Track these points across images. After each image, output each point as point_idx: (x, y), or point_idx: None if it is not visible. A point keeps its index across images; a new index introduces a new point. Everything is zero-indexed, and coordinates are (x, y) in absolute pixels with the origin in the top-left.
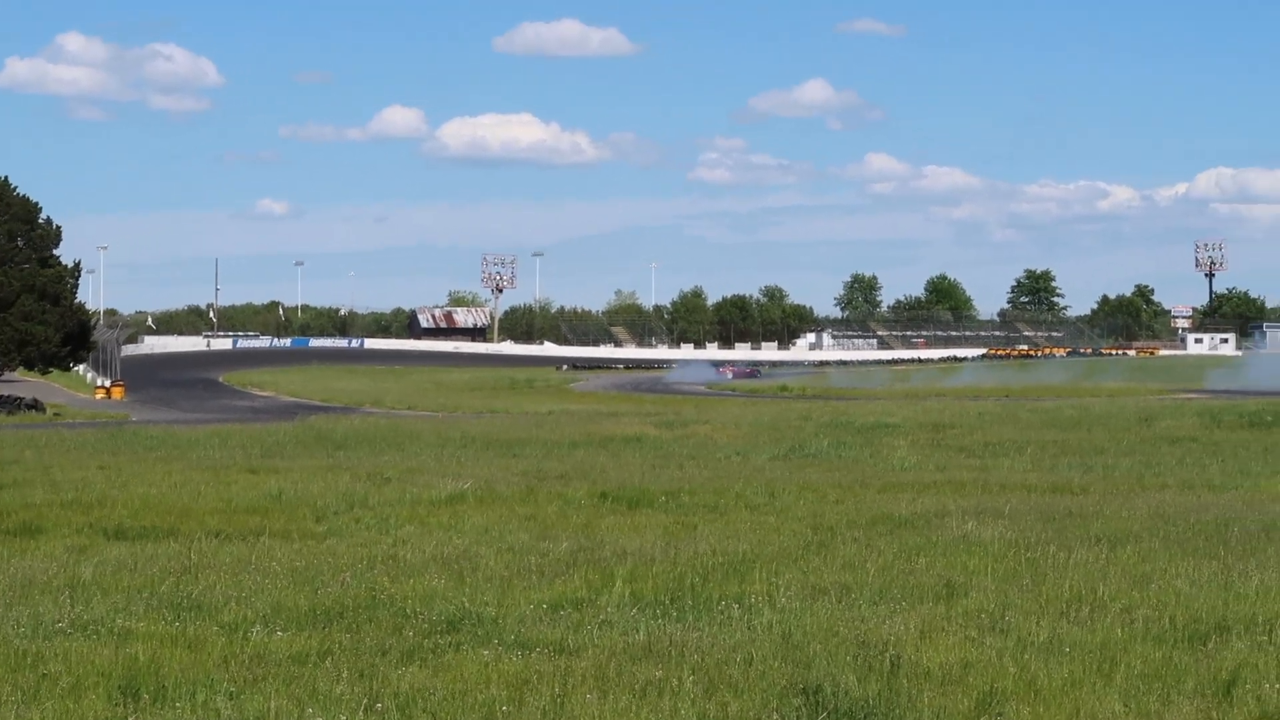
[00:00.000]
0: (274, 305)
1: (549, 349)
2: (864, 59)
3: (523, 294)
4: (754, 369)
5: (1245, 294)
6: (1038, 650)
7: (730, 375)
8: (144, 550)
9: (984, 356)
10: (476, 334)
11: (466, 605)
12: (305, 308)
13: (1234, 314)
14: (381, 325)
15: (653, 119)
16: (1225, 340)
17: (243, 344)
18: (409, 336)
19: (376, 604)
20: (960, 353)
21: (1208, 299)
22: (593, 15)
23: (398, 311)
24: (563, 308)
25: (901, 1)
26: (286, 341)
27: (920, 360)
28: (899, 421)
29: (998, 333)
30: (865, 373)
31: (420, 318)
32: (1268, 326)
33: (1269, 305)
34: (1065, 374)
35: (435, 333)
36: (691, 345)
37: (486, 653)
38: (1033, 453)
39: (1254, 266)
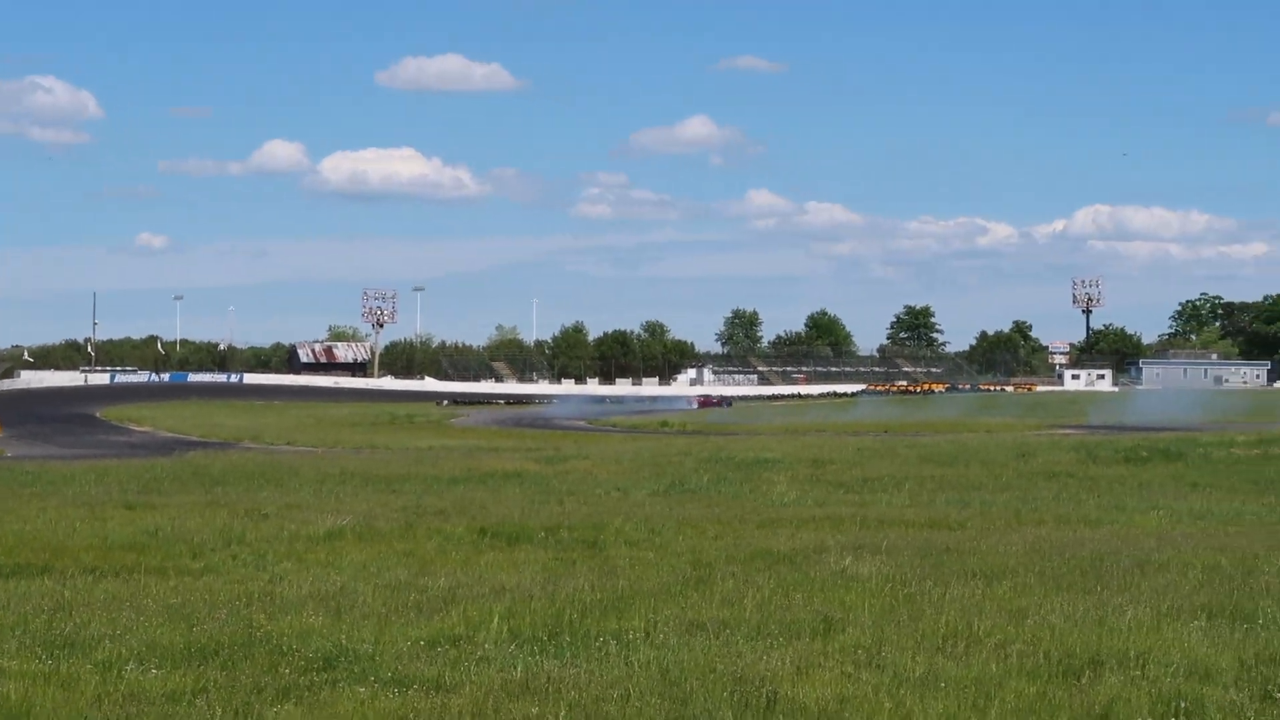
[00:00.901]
0: (153, 340)
1: (430, 384)
2: (746, 95)
3: (403, 329)
4: (723, 399)
5: (1122, 330)
6: (913, 685)
7: (697, 406)
8: (17, 588)
9: (863, 392)
10: (357, 369)
11: (343, 642)
12: (184, 342)
13: (1111, 350)
14: (261, 360)
15: (535, 154)
16: (1102, 376)
17: (121, 379)
18: (289, 371)
19: (252, 641)
20: (840, 388)
21: (1085, 335)
22: (475, 50)
23: (277, 346)
24: (444, 343)
25: (783, 39)
26: (165, 376)
27: (801, 395)
28: (779, 457)
29: (878, 368)
30: (752, 409)
31: (300, 353)
32: (1144, 363)
33: (1145, 341)
34: (949, 410)
35: (315, 368)
36: (573, 380)
37: (363, 690)
38: (911, 488)
39: (1130, 303)
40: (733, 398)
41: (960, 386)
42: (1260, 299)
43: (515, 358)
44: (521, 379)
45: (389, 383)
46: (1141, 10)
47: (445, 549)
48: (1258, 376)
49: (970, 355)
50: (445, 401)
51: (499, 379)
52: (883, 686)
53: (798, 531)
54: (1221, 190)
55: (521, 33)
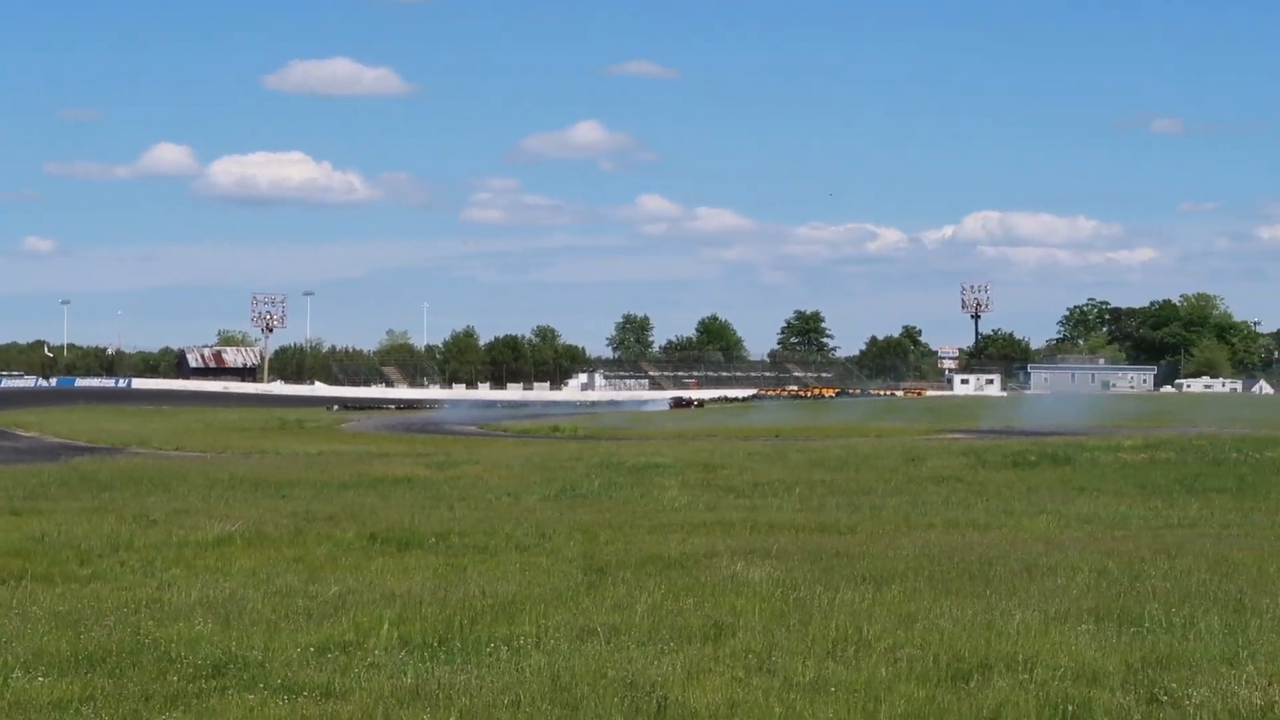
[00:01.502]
0: (39, 344)
1: (320, 389)
2: (637, 101)
3: (293, 334)
4: (697, 401)
5: (1010, 335)
6: (803, 690)
7: (670, 407)
8: None
9: (754, 397)
10: (246, 374)
11: (232, 649)
12: (72, 347)
13: (999, 355)
14: (150, 365)
15: (425, 159)
16: (991, 381)
17: (6, 384)
18: (178, 376)
19: (140, 649)
20: (731, 393)
21: (974, 340)
22: (365, 54)
23: (166, 351)
24: (334, 347)
25: (674, 44)
26: (52, 381)
27: (729, 399)
28: (669, 462)
29: (768, 373)
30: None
31: (189, 357)
32: (1032, 367)
33: (1033, 346)
34: (841, 415)
35: (204, 372)
36: (463, 385)
37: (252, 697)
38: (801, 493)
39: (1019, 309)
40: (704, 399)
41: (851, 391)
42: (1147, 304)
43: (406, 363)
44: (412, 384)
45: (279, 388)
46: (1029, 17)
47: (335, 555)
48: (1144, 381)
49: (860, 360)
50: (335, 406)
51: (389, 384)
52: (773, 691)
53: (689, 536)
54: (1108, 196)
55: (411, 36)
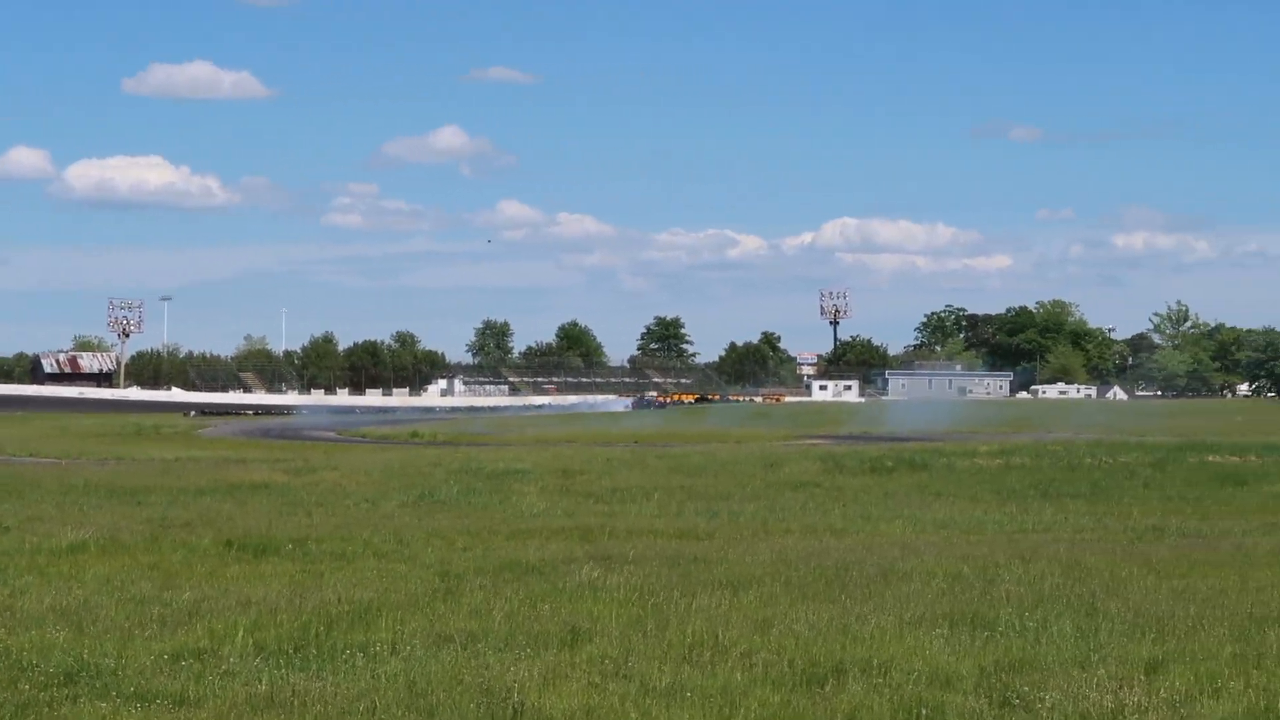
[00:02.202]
0: None
1: (177, 395)
2: (497, 106)
3: (151, 339)
4: (662, 402)
5: (868, 341)
6: (660, 696)
7: (633, 407)
8: None
9: (640, 401)
10: (103, 379)
11: (85, 657)
12: None
13: (858, 361)
14: (3, 370)
15: (285, 163)
16: (849, 387)
17: None
18: (32, 382)
19: None
20: (591, 398)
21: (833, 346)
22: (225, 58)
23: (20, 356)
24: (191, 353)
25: (534, 50)
26: None
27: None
28: (529, 468)
29: (628, 379)
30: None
31: (44, 363)
32: (890, 374)
33: (891, 353)
34: (706, 421)
35: (59, 378)
36: (322, 391)
37: (105, 705)
38: (660, 498)
39: (877, 315)
40: (666, 401)
41: (709, 397)
42: (1003, 311)
43: (264, 368)
44: (270, 389)
45: (135, 393)
46: (889, 23)
47: (191, 561)
48: (1001, 387)
49: (720, 366)
50: (193, 412)
51: (247, 389)
52: (629, 697)
53: (547, 542)
54: (967, 204)
55: (272, 40)
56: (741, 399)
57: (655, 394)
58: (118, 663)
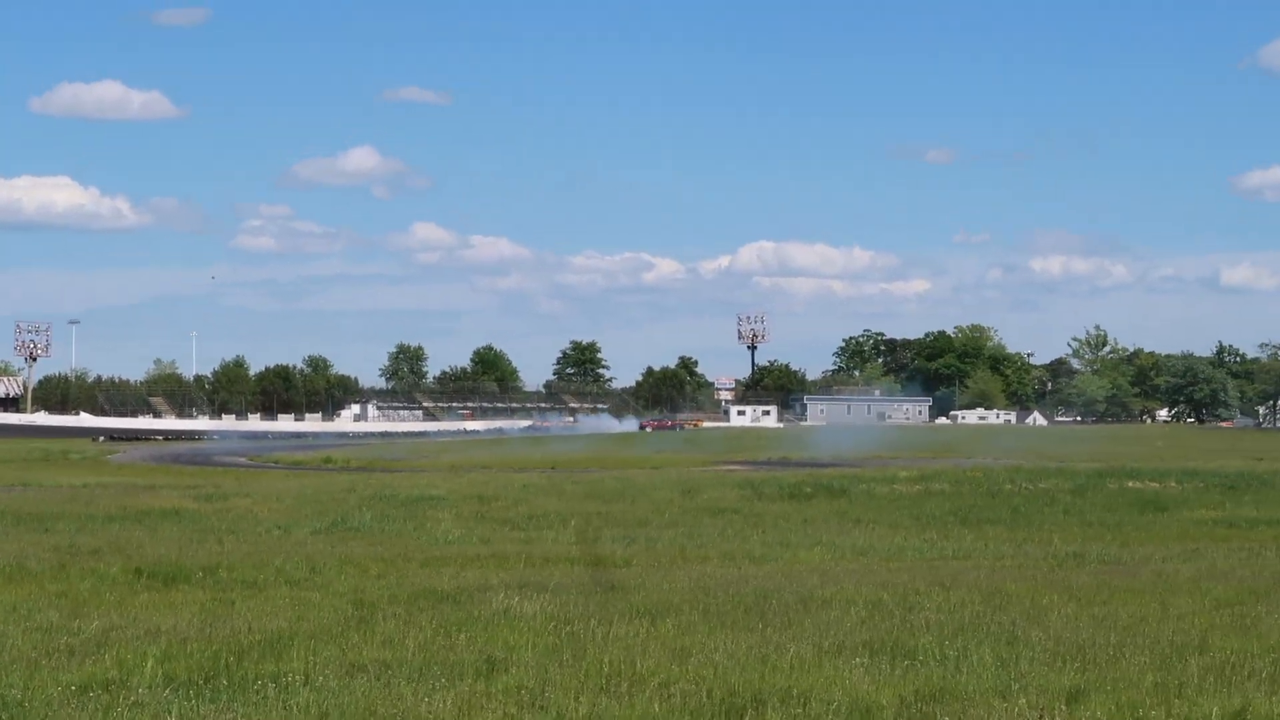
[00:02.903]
0: None
1: (85, 420)
2: (410, 127)
3: (58, 363)
4: (675, 422)
5: (786, 366)
6: None
7: (650, 429)
8: None
9: (531, 428)
10: (9, 404)
11: None
12: None
13: (776, 386)
14: None
15: (195, 184)
16: (768, 412)
17: None
18: None
19: None
20: (507, 424)
21: (750, 371)
22: (134, 78)
23: None
24: (100, 377)
25: (448, 69)
26: None
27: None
28: (444, 494)
29: (544, 404)
30: (416, 445)
31: None
32: (809, 399)
33: (809, 378)
34: (631, 447)
35: None
36: (234, 416)
37: None
38: (576, 525)
39: (795, 339)
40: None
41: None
42: (922, 335)
43: (174, 393)
44: (180, 414)
45: (43, 418)
46: (805, 45)
47: (99, 590)
48: (920, 412)
49: (637, 391)
50: (101, 438)
51: (157, 414)
52: None
53: (462, 570)
54: (883, 227)
55: (182, 59)
56: (670, 425)
57: (647, 421)
58: (24, 694)
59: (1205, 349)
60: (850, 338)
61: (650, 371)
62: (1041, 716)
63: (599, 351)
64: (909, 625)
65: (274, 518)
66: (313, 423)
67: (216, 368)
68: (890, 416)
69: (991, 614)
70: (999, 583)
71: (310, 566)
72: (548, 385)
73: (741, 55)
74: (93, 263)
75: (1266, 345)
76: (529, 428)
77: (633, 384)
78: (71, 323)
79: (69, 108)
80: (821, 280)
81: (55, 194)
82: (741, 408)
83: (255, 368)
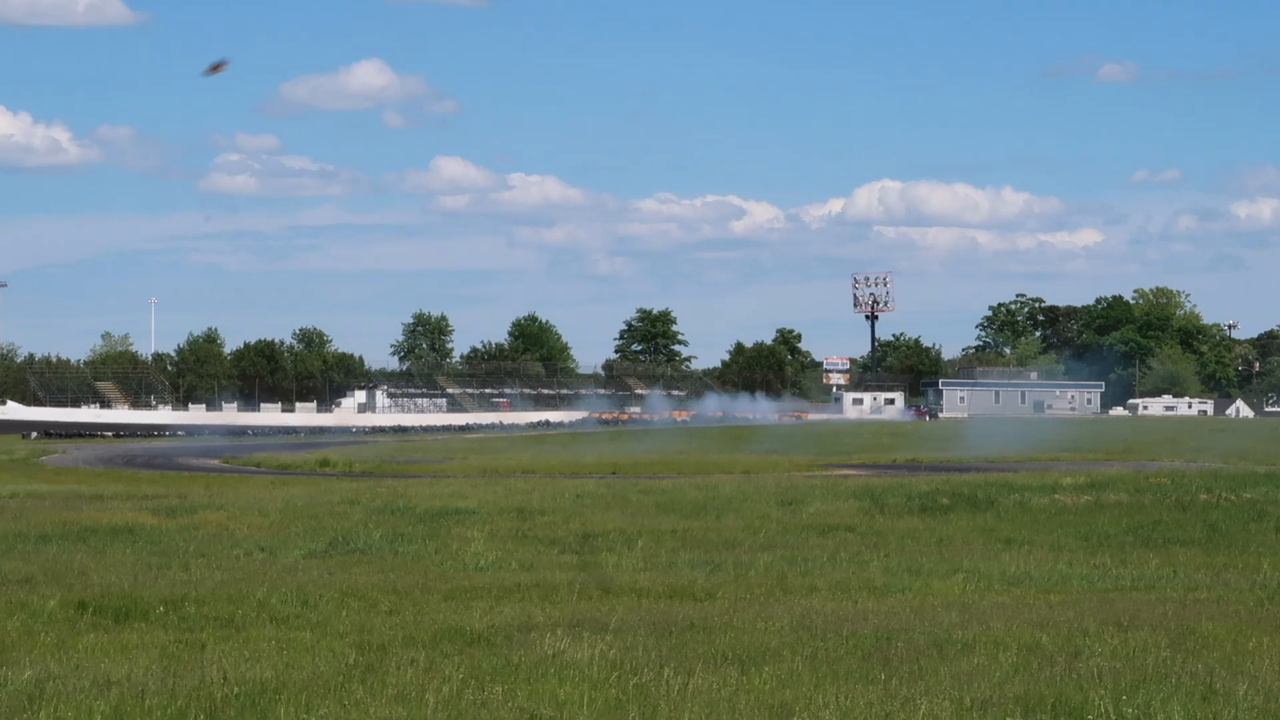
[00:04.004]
0: None
1: (14, 410)
2: (432, 37)
3: None
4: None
5: (917, 342)
6: None
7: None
8: None
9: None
10: None
11: None
12: None
13: (902, 367)
14: None
15: (156, 110)
16: (891, 401)
17: None
18: None
19: None
20: (555, 416)
21: (870, 348)
22: None
23: None
24: (32, 356)
25: None
26: None
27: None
28: (474, 506)
29: (603, 390)
30: (441, 442)
31: None
32: (944, 384)
33: (946, 356)
34: (690, 442)
35: None
36: (204, 406)
37: None
38: (645, 546)
39: (926, 307)
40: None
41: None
42: (1091, 302)
43: (128, 376)
44: (136, 404)
45: None
46: None
47: (32, 629)
48: (1089, 401)
49: (724, 374)
50: (34, 434)
51: (106, 404)
52: None
53: (497, 604)
54: (1041, 162)
55: None
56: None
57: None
58: None
59: None
60: (999, 305)
61: (740, 349)
62: None
63: (674, 323)
64: (1075, 676)
65: (255, 537)
66: (305, 414)
67: (182, 344)
68: (1051, 406)
69: (1182, 661)
70: (1191, 621)
71: (302, 600)
72: (608, 366)
73: None
74: (23, 210)
75: None
76: (626, 420)
77: (717, 364)
78: None
79: None
80: (962, 231)
81: None
82: (858, 395)
83: (232, 344)
